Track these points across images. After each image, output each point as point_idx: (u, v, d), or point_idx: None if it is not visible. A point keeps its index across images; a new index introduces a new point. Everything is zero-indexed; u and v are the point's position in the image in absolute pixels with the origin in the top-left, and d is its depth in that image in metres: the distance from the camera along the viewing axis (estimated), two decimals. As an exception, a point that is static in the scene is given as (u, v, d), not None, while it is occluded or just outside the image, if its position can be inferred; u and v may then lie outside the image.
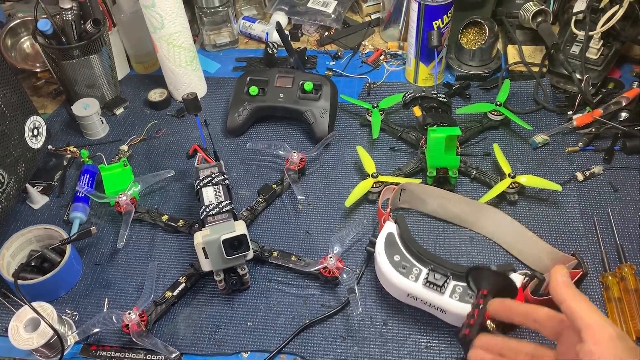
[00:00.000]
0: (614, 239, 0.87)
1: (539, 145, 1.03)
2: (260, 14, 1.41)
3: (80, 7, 1.08)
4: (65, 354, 0.79)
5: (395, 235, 0.82)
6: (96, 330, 0.79)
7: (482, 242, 0.90)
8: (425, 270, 0.77)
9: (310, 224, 0.95)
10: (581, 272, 0.75)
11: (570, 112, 1.07)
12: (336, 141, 1.08)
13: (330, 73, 1.24)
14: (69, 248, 0.87)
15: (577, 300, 0.53)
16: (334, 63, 1.27)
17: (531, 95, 1.13)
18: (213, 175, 0.88)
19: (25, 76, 1.29)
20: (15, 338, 0.77)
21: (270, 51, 1.25)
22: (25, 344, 0.76)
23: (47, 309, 0.80)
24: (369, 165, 0.97)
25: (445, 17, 1.06)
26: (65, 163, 1.08)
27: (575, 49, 1.11)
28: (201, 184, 0.88)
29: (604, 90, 1.10)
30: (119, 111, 1.19)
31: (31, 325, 0.79)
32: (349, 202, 0.93)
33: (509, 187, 0.92)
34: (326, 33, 1.35)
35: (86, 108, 1.10)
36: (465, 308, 0.74)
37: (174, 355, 0.79)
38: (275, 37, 1.27)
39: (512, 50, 1.21)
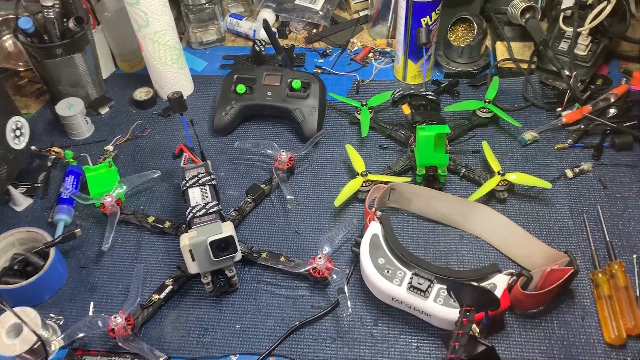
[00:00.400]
0: (603, 236, 0.87)
1: (528, 142, 1.03)
2: (248, 11, 1.39)
3: (63, 4, 1.07)
4: (49, 359, 0.78)
5: (379, 237, 0.81)
6: (81, 334, 0.78)
7: (472, 241, 0.89)
8: (409, 274, 0.76)
9: (299, 224, 0.94)
10: (572, 270, 0.74)
11: (559, 109, 1.06)
12: (325, 140, 1.08)
13: (319, 71, 1.23)
14: (53, 251, 0.86)
15: None
16: (322, 61, 1.26)
17: (520, 92, 1.12)
18: (200, 176, 0.87)
19: (7, 75, 1.26)
20: (-2, 344, 0.75)
21: (257, 49, 1.24)
22: (8, 350, 0.75)
23: (30, 313, 0.78)
24: (358, 164, 0.96)
25: (433, 14, 1.06)
26: (49, 164, 1.07)
27: (563, 46, 1.11)
28: (187, 185, 0.86)
29: (593, 87, 1.10)
30: (104, 111, 1.18)
31: (14, 331, 0.78)
32: (338, 201, 0.93)
33: (498, 185, 0.92)
34: (314, 30, 1.33)
35: (70, 108, 1.09)
36: (449, 312, 0.74)
37: (161, 359, 0.77)
38: (262, 34, 1.25)
39: (500, 47, 1.21)
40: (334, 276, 0.81)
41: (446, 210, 0.90)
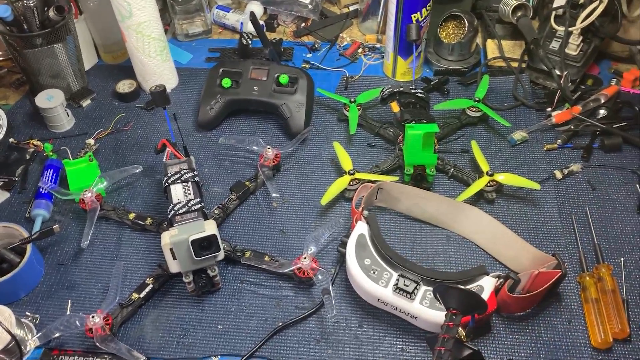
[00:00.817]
0: (591, 239, 0.87)
1: (518, 142, 1.02)
2: (235, 3, 1.37)
3: (43, -7, 1.04)
4: (24, 359, 0.76)
5: (366, 237, 0.80)
6: (58, 334, 0.76)
7: (459, 242, 0.88)
8: (395, 275, 0.75)
9: (284, 223, 0.92)
10: (560, 273, 0.73)
11: (549, 109, 1.06)
12: (312, 137, 1.06)
13: (307, 66, 1.21)
14: (29, 247, 0.84)
15: None
16: (310, 55, 1.24)
17: (510, 91, 1.11)
18: (182, 172, 0.85)
19: (-15, 65, 1.23)
20: (-31, 344, 0.73)
21: (244, 42, 1.21)
22: (-20, 350, 0.73)
23: (4, 312, 0.76)
24: (346, 162, 0.95)
25: (424, 10, 1.04)
26: (27, 157, 1.04)
27: (554, 45, 1.10)
28: (169, 181, 0.84)
29: (583, 87, 1.09)
30: (86, 103, 1.15)
31: (-13, 331, 0.75)
32: (324, 200, 0.91)
33: (486, 185, 0.91)
34: (303, 24, 1.31)
35: (50, 99, 1.06)
36: (435, 315, 0.73)
37: (139, 361, 0.76)
38: (250, 27, 1.23)
39: (491, 45, 1.20)
40: (319, 276, 0.80)
41: (434, 210, 0.89)
